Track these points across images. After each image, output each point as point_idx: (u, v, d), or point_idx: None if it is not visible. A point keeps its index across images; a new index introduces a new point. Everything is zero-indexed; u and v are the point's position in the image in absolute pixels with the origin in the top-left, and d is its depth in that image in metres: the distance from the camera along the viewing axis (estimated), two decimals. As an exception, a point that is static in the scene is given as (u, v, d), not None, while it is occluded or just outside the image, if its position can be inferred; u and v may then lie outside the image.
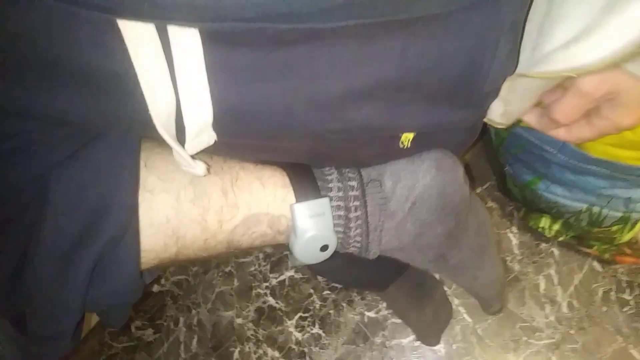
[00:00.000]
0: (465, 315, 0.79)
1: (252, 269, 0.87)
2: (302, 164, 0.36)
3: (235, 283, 0.86)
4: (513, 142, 0.60)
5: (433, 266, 0.41)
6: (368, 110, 0.29)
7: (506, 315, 0.78)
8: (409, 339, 0.79)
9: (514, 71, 0.32)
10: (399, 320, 0.80)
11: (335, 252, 0.39)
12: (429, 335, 0.78)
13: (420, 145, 0.36)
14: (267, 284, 0.85)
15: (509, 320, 0.78)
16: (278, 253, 0.87)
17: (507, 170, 0.69)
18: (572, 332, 0.76)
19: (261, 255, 0.87)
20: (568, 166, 0.56)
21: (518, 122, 0.56)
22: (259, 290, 0.85)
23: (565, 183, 0.59)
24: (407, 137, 0.34)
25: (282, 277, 0.85)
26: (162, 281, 0.88)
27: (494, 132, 0.64)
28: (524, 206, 0.76)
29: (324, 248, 0.35)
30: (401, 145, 0.35)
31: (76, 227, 0.26)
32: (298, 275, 0.85)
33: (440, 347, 0.78)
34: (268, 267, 0.86)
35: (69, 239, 0.26)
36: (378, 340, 0.80)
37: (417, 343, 0.79)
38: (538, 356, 0.75)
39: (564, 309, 0.77)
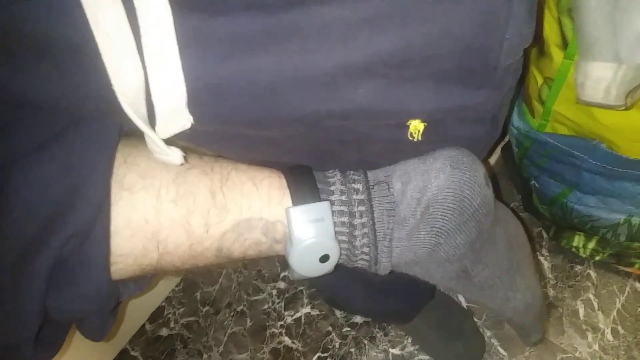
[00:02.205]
0: (500, 348, 0.73)
1: (266, 306, 0.82)
2: (302, 166, 0.33)
3: (248, 323, 0.81)
4: (538, 151, 0.56)
5: (455, 284, 0.36)
6: (366, 90, 0.26)
7: (545, 346, 0.71)
8: (439, 377, 0.72)
9: (532, 39, 0.29)
10: (427, 357, 0.74)
11: (343, 267, 0.35)
12: (462, 371, 0.72)
13: (433, 139, 0.32)
14: (282, 322, 0.80)
15: (549, 352, 0.71)
16: (292, 289, 0.82)
17: (532, 184, 0.64)
18: (620, 362, 0.69)
19: (274, 292, 0.83)
20: (601, 172, 0.51)
21: (542, 128, 0.53)
22: (273, 329, 0.80)
23: (598, 192, 0.55)
24: (416, 128, 0.31)
25: (297, 315, 0.80)
26: (171, 324, 0.83)
27: (515, 143, 0.61)
28: (554, 225, 0.71)
29: (325, 258, 0.31)
30: (410, 138, 0.31)
31: (36, 223, 0.24)
32: (315, 312, 0.80)
33: (475, 385, 0.71)
34: (282, 304, 0.81)
35: (27, 235, 0.24)
36: (405, 379, 0.73)
37: (449, 381, 0.72)
38: (585, 391, 0.68)
39: (609, 337, 0.71)
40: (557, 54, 0.44)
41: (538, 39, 0.46)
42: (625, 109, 0.37)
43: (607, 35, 0.31)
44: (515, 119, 0.57)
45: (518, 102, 0.57)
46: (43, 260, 0.24)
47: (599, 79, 0.34)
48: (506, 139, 0.74)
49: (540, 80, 0.49)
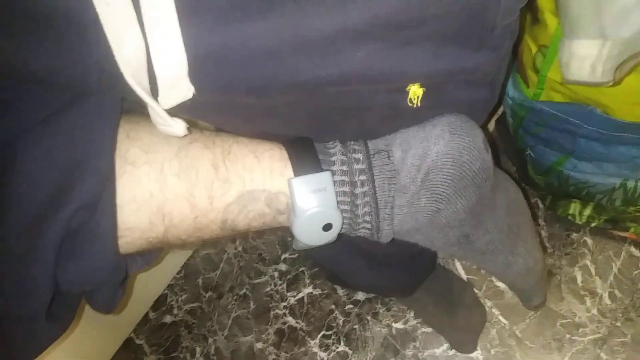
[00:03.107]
0: (501, 317, 0.74)
1: (268, 289, 0.82)
2: (303, 137, 0.33)
3: (252, 306, 0.82)
4: (533, 120, 0.57)
5: (457, 250, 0.37)
6: (366, 53, 0.26)
7: (544, 313, 0.73)
8: (442, 348, 0.74)
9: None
10: (429, 329, 0.75)
11: (345, 242, 0.35)
12: (464, 341, 0.73)
13: (433, 104, 0.32)
14: (285, 303, 0.81)
15: (548, 318, 0.72)
16: (294, 270, 0.83)
17: (528, 155, 0.65)
18: (618, 324, 0.70)
19: (276, 274, 0.83)
20: (597, 137, 0.52)
21: (537, 97, 0.53)
22: (277, 311, 0.81)
23: (594, 158, 0.55)
24: (416, 93, 0.31)
25: (300, 295, 0.81)
26: (175, 310, 0.83)
27: (510, 114, 0.61)
28: (550, 194, 0.71)
29: (327, 227, 0.32)
30: (410, 104, 0.31)
31: (43, 196, 0.24)
32: (317, 292, 0.81)
33: (478, 354, 0.73)
34: (285, 285, 0.82)
35: (35, 208, 0.24)
36: (409, 352, 0.74)
37: (452, 352, 0.73)
38: (585, 354, 0.69)
39: (606, 301, 0.72)
40: (551, 21, 0.44)
41: (531, 7, 0.46)
42: (613, 85, 0.37)
43: (591, 12, 0.31)
44: (510, 89, 0.57)
45: (512, 72, 0.57)
46: (52, 232, 0.24)
47: (584, 57, 0.34)
48: (499, 112, 0.74)
49: (534, 49, 0.49)
